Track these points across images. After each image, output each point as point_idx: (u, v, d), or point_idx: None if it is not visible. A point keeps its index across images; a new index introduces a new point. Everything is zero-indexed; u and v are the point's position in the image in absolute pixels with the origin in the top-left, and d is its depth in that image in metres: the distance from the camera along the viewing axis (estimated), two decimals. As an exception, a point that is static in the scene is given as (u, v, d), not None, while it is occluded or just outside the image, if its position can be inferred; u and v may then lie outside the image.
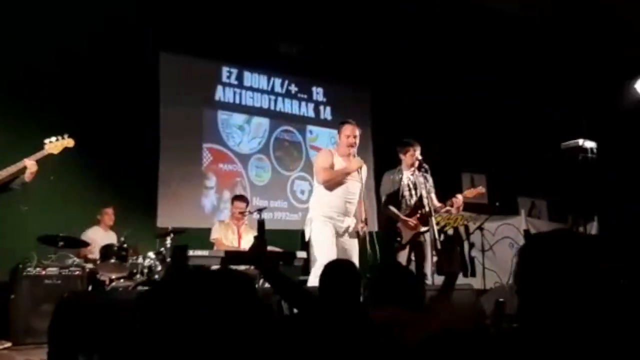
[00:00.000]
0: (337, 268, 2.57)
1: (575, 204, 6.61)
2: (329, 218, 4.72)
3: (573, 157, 5.43)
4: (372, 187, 6.86)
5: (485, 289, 6.49)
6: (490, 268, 7.56)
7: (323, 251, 4.54)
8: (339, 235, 4.73)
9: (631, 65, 8.51)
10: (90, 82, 6.76)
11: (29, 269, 4.87)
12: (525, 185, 10.05)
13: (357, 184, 4.85)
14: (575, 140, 5.50)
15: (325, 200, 4.77)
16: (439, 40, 8.66)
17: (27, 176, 4.51)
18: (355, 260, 4.70)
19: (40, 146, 4.66)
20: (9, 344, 4.51)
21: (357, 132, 4.85)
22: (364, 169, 4.94)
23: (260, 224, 3.37)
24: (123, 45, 7.00)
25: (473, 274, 8.15)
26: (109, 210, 6.46)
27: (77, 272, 5.05)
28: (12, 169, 4.48)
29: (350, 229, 4.82)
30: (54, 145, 4.72)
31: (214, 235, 6.33)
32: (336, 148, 5.03)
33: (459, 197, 5.21)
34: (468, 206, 7.05)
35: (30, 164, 4.48)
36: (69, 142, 4.80)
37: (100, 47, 6.81)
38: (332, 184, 4.76)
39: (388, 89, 8.91)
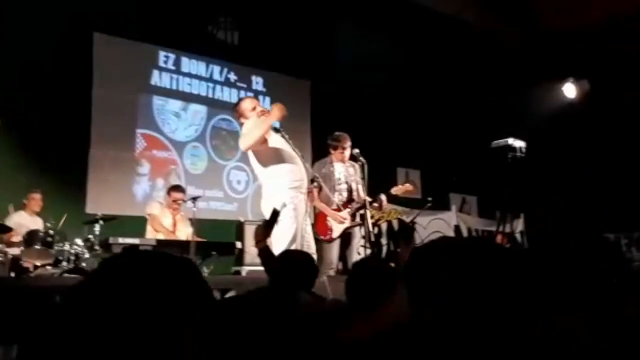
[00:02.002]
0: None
1: (503, 201, 6.83)
2: (289, 198, 4.31)
3: (503, 156, 5.60)
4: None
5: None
6: (421, 261, 7.73)
7: (288, 244, 4.16)
8: (299, 213, 4.36)
9: (562, 67, 8.91)
10: (20, 59, 6.45)
11: (-53, 253, 4.63)
12: (457, 182, 10.34)
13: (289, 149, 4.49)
14: (505, 140, 5.66)
15: (276, 180, 4.37)
16: (379, 37, 8.75)
17: None
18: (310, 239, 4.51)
19: None
20: None
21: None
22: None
23: (275, 213, 3.55)
24: (54, 24, 6.71)
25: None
26: (36, 195, 6.16)
27: (-2, 258, 4.85)
28: None
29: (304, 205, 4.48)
30: None
31: (152, 210, 6.18)
32: None
33: (382, 196, 5.20)
34: (402, 201, 7.21)
35: None
36: None
37: (32, 26, 6.51)
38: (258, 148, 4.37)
39: (328, 81, 8.94)
